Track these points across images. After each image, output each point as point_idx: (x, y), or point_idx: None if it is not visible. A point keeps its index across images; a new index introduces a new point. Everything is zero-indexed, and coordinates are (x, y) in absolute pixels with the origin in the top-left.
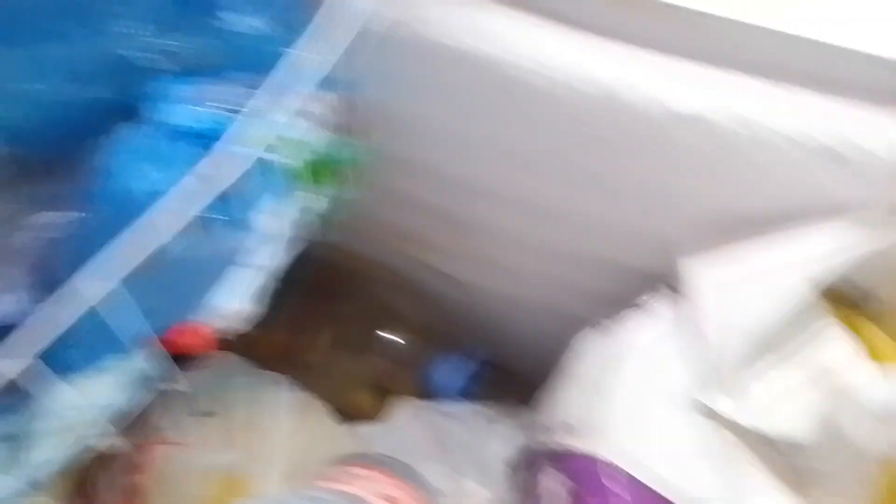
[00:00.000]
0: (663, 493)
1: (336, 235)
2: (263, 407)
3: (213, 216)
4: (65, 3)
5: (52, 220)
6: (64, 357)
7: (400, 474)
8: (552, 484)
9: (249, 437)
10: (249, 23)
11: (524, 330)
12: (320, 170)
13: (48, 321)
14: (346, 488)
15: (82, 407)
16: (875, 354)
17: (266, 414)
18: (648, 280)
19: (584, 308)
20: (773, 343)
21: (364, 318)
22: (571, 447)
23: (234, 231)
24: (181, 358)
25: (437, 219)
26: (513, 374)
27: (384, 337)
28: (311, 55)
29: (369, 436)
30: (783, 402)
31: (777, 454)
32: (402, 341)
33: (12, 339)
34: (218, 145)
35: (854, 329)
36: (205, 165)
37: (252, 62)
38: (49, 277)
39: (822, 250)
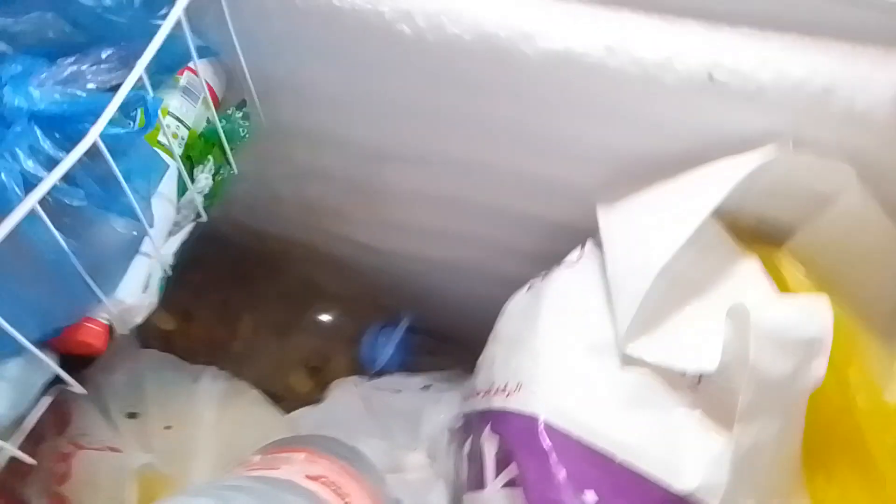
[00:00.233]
0: (592, 443)
1: (245, 218)
2: (187, 401)
3: (71, 202)
4: None
5: None
6: None
7: (329, 452)
8: (486, 446)
9: (174, 434)
10: None
11: (457, 294)
12: (200, 146)
13: None
14: (270, 473)
15: None
16: (788, 286)
17: (190, 408)
18: (581, 235)
19: (517, 268)
20: (688, 282)
21: (287, 298)
22: (502, 407)
23: (107, 218)
24: (84, 359)
25: (347, 188)
26: (451, 339)
27: (311, 315)
28: (175, 24)
29: (304, 419)
30: (700, 340)
31: (698, 391)
32: (331, 318)
33: None
34: (70, 127)
35: (769, 263)
36: (54, 148)
37: (109, 36)
38: None
39: (721, 182)
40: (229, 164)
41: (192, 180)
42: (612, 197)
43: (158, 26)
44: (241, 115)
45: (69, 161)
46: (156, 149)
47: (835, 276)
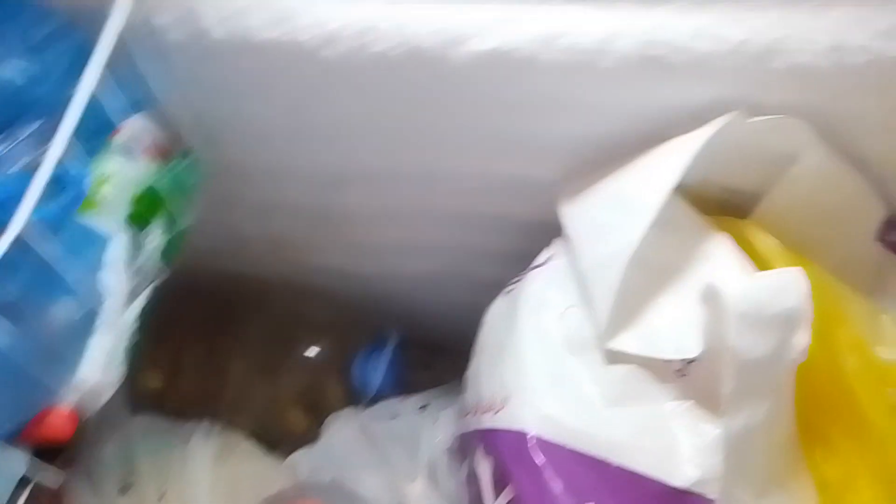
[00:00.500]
0: (586, 450)
1: (217, 262)
2: (180, 465)
3: (7, 296)
4: None
5: None
6: None
7: (333, 498)
8: (481, 468)
9: (171, 501)
10: (14, 66)
11: (444, 304)
12: (146, 204)
13: None
14: None
15: None
16: (762, 257)
17: (183, 472)
18: (556, 231)
19: (500, 271)
20: (661, 267)
21: (272, 338)
22: (491, 426)
23: (50, 304)
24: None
25: (312, 218)
26: (446, 349)
27: (299, 351)
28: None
29: (302, 462)
30: (680, 326)
31: (686, 379)
32: (319, 350)
33: None
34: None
35: (741, 235)
36: None
37: (32, 111)
38: None
39: (676, 159)
40: (181, 215)
41: (143, 241)
42: (574, 189)
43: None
44: (186, 163)
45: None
46: (95, 219)
47: (809, 238)
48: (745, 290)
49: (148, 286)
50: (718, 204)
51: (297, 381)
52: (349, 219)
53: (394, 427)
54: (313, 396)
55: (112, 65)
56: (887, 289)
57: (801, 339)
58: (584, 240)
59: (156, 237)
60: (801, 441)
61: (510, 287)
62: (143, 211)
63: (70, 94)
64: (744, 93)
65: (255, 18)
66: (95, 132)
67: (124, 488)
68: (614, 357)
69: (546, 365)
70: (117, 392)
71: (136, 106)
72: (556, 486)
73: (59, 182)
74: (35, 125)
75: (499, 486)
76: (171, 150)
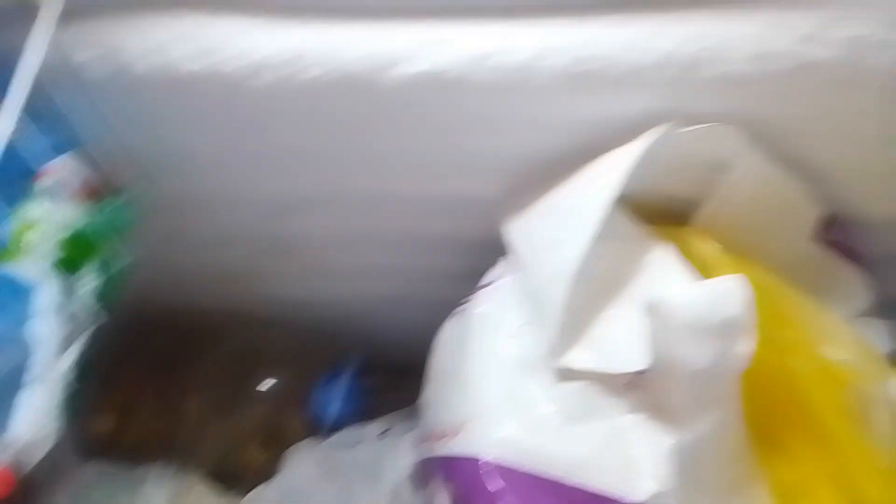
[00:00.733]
0: (542, 471)
1: (165, 298)
2: None
3: None
4: None
5: None
6: None
7: None
8: (439, 497)
9: None
10: None
11: (402, 326)
12: (78, 247)
13: None
14: None
15: None
16: (706, 264)
17: None
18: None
19: (455, 290)
20: (608, 280)
21: (226, 372)
22: (447, 453)
23: None
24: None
25: (259, 246)
26: (409, 371)
27: (255, 384)
28: (12, 129)
29: (259, 499)
30: (629, 338)
31: (639, 392)
32: (276, 382)
33: None
34: None
35: (685, 244)
36: None
37: None
38: None
39: (614, 172)
40: (117, 256)
41: (75, 286)
42: (518, 206)
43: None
44: (119, 203)
45: None
46: (18, 268)
47: (750, 241)
48: (686, 301)
49: (84, 332)
50: (662, 212)
51: (254, 415)
52: (297, 246)
53: (355, 455)
54: (272, 430)
55: (30, 107)
56: (829, 287)
57: (746, 346)
58: (530, 257)
59: (89, 281)
60: (756, 447)
61: (459, 308)
62: (73, 255)
63: None
64: (676, 103)
65: (178, 52)
66: (15, 178)
67: None
68: (568, 373)
69: (500, 387)
70: (65, 440)
71: (60, 148)
72: None
73: None
74: None
75: None
76: (102, 190)
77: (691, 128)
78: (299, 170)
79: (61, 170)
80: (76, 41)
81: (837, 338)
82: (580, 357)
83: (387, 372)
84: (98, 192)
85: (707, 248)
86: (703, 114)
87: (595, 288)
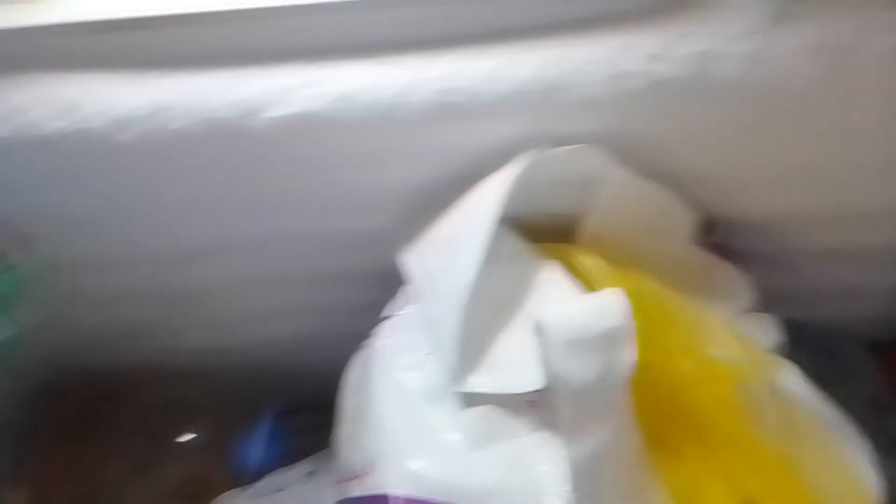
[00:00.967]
0: (451, 501)
1: (73, 360)
2: None
3: None
4: None
5: None
6: None
7: None
8: None
9: None
10: None
11: (322, 363)
12: None
13: None
14: None
15: None
16: (592, 279)
17: None
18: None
19: (370, 323)
20: (500, 303)
21: (145, 429)
22: (359, 495)
23: None
24: None
25: (160, 299)
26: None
27: (175, 439)
28: None
29: None
30: (524, 358)
31: (539, 411)
32: (197, 434)
33: None
34: None
35: (570, 261)
36: None
37: None
38: None
39: (491, 199)
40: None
41: None
42: (409, 237)
43: None
44: (14, 264)
45: None
46: None
47: (633, 252)
48: (566, 318)
49: None
50: (549, 231)
51: (176, 471)
52: (198, 295)
53: (280, 501)
54: (196, 484)
55: None
56: (713, 288)
57: (629, 355)
58: (424, 286)
59: None
60: (651, 452)
61: (364, 344)
62: None
63: None
64: (543, 126)
65: (38, 112)
66: None
67: None
68: (470, 399)
69: (406, 421)
70: None
71: None
72: None
73: None
74: None
75: None
76: None
77: (558, 149)
78: (182, 221)
79: None
80: None
81: (722, 337)
82: (480, 381)
83: (311, 412)
84: None
85: (590, 262)
86: (571, 134)
87: (489, 311)
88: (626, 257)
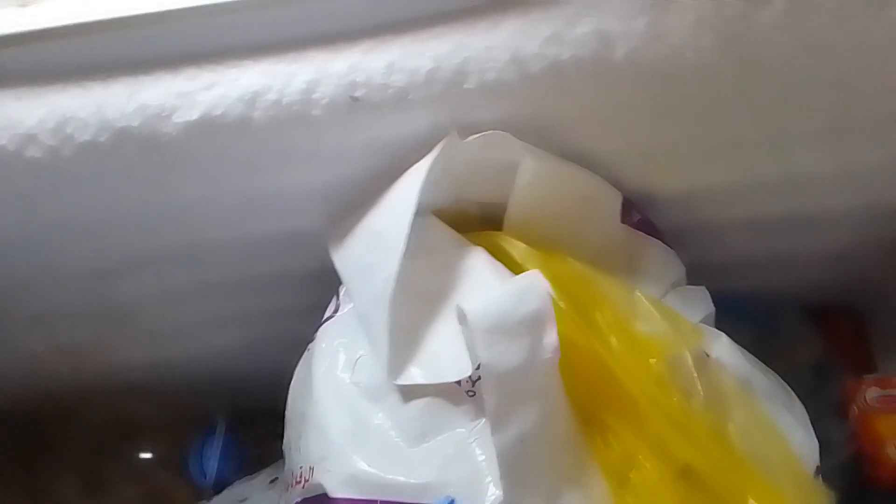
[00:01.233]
0: (393, 499)
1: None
2: None
3: None
4: None
5: None
6: None
7: None
8: None
9: None
10: None
11: (272, 371)
12: None
13: None
14: None
15: None
16: (517, 263)
17: None
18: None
19: (314, 327)
20: (429, 292)
21: (96, 449)
22: (302, 496)
23: None
24: None
25: (95, 317)
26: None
27: (130, 458)
28: None
29: None
30: (454, 347)
31: (477, 399)
32: (151, 452)
33: None
34: None
35: (497, 246)
36: None
37: None
38: None
39: (408, 190)
40: None
41: None
42: (338, 234)
43: None
44: None
45: None
46: None
47: (560, 234)
48: (486, 306)
49: None
50: (478, 219)
51: (135, 489)
52: (132, 310)
53: None
54: (157, 501)
55: None
56: (642, 265)
57: (552, 337)
58: (353, 282)
59: None
60: (585, 432)
61: (307, 346)
62: None
63: None
64: (453, 115)
65: None
66: None
67: None
68: (409, 393)
69: (347, 422)
70: None
71: None
72: None
73: None
74: None
75: None
76: None
77: (471, 137)
78: (102, 236)
79: None
80: None
81: (648, 313)
82: (414, 373)
83: (270, 418)
84: None
85: (516, 247)
86: (481, 121)
87: (418, 302)
88: (552, 240)
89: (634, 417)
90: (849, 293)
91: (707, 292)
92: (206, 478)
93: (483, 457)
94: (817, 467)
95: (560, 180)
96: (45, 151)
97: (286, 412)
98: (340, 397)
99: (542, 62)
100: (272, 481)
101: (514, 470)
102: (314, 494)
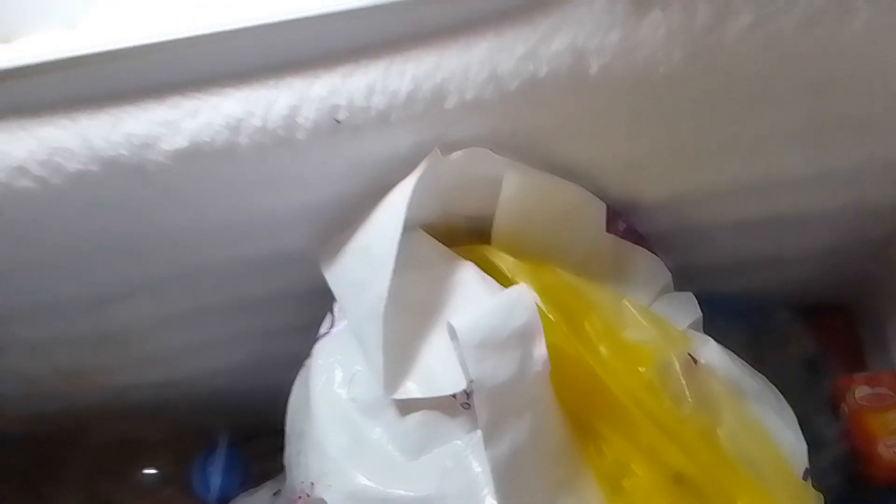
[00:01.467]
0: None
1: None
2: None
3: None
4: None
5: None
6: None
7: None
8: None
9: None
10: None
11: (273, 388)
12: None
13: None
14: None
15: None
16: (506, 276)
17: None
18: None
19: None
20: (422, 306)
21: (101, 468)
22: None
23: None
24: None
25: (92, 343)
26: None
27: (134, 476)
28: None
29: None
30: (448, 361)
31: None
32: (156, 469)
33: None
34: None
35: (484, 261)
36: None
37: None
38: None
39: (395, 207)
40: None
41: None
42: (330, 252)
43: None
44: None
45: None
46: None
47: (549, 246)
48: (475, 321)
49: None
50: (466, 232)
51: None
52: (131, 334)
53: None
54: None
55: None
56: (625, 274)
57: (541, 349)
58: (346, 299)
59: None
60: (578, 441)
61: (304, 363)
62: None
63: None
64: (435, 133)
65: None
66: None
67: None
68: (405, 407)
69: (346, 437)
70: None
71: None
72: None
73: None
74: None
75: None
76: None
77: (454, 154)
78: (95, 264)
79: None
80: None
81: (635, 320)
82: (410, 388)
83: (273, 433)
84: None
85: (504, 260)
86: (462, 139)
87: (411, 317)
88: (539, 251)
89: (626, 425)
90: (838, 291)
91: (694, 298)
92: (209, 493)
93: (479, 469)
94: (806, 469)
95: (544, 193)
96: (36, 182)
97: (286, 429)
98: (338, 413)
99: (520, 79)
100: (276, 493)
101: (508, 482)
102: None
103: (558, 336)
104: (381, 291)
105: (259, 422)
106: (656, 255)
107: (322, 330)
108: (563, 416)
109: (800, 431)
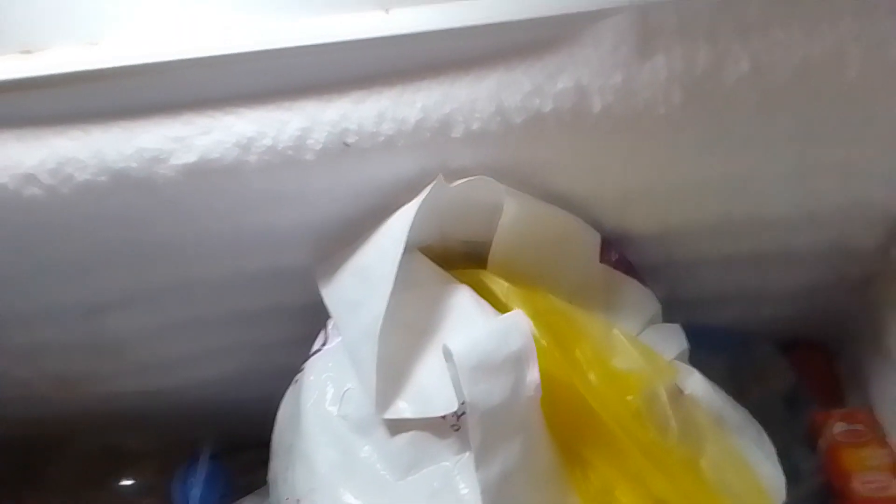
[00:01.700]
0: None
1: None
2: None
3: None
4: None
5: None
6: None
7: None
8: None
9: None
10: None
11: (261, 401)
12: None
13: None
14: None
15: None
16: (500, 301)
17: None
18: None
19: (302, 357)
20: (417, 327)
21: (83, 476)
22: None
23: None
24: None
25: (85, 350)
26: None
27: (113, 485)
28: None
29: None
30: (440, 382)
31: (462, 432)
32: (135, 479)
33: None
34: None
35: (481, 284)
36: None
37: None
38: None
39: (397, 230)
40: None
41: None
42: (327, 270)
43: None
44: None
45: None
46: None
47: (541, 272)
48: (471, 345)
49: None
50: (463, 256)
51: None
52: (125, 343)
53: None
54: None
55: None
56: (616, 303)
57: (534, 374)
58: (342, 317)
59: None
60: (565, 465)
61: (295, 378)
62: None
63: None
64: (439, 161)
65: None
66: None
67: None
68: (395, 427)
69: (335, 455)
70: None
71: None
72: None
73: None
74: None
75: None
76: None
77: (458, 182)
78: (96, 272)
79: None
80: None
81: (625, 349)
82: (401, 407)
83: (257, 446)
84: None
85: (499, 285)
86: (467, 167)
87: (405, 338)
88: (533, 277)
89: (612, 452)
90: (819, 328)
91: (681, 330)
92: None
93: (466, 490)
94: (784, 503)
95: (541, 221)
96: (44, 190)
97: (272, 444)
98: (328, 430)
99: (525, 114)
100: None
101: (501, 502)
102: None
103: (550, 362)
104: (378, 312)
105: (245, 434)
106: (646, 285)
107: (315, 346)
108: (551, 440)
109: (779, 464)
